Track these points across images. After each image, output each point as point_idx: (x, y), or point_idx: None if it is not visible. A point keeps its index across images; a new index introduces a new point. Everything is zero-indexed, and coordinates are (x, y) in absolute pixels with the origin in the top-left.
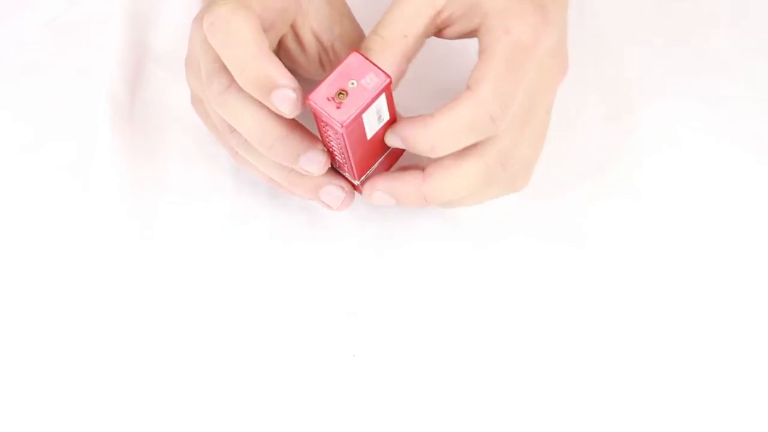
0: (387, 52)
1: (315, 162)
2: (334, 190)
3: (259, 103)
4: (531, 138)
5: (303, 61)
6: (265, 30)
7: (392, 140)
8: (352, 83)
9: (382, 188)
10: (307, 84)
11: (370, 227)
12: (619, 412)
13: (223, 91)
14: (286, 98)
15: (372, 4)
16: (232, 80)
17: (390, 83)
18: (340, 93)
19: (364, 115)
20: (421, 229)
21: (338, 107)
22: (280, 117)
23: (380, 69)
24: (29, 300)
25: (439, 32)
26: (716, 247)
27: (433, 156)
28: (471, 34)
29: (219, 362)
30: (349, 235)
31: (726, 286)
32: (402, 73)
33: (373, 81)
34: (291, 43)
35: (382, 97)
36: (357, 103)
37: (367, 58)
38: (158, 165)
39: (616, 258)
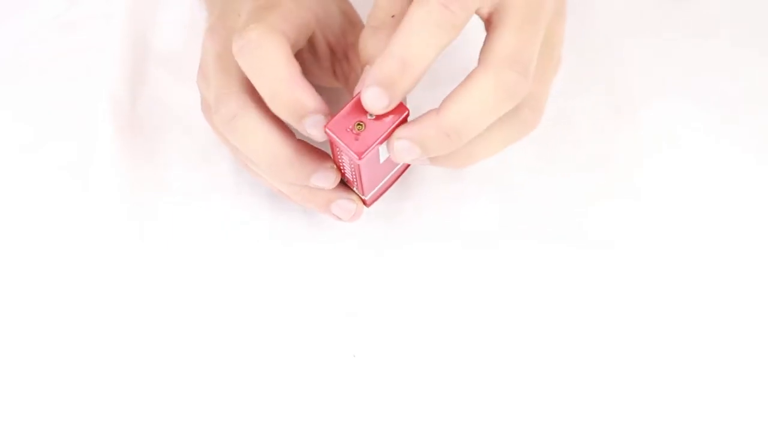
0: (379, 34)
1: (325, 179)
2: (346, 204)
3: (268, 129)
4: (537, 47)
5: (316, 69)
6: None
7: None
8: (371, 115)
9: (403, 136)
10: (319, 90)
11: (369, 228)
12: (622, 411)
13: (230, 118)
14: (317, 124)
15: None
16: (240, 107)
17: (407, 115)
18: (359, 124)
19: (380, 147)
20: (420, 229)
21: (356, 138)
22: (289, 141)
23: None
24: (29, 300)
25: None
26: (716, 247)
27: (461, 143)
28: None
29: (219, 362)
30: (349, 235)
31: (726, 286)
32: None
33: (392, 112)
34: (306, 54)
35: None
36: (374, 135)
37: None
38: (158, 165)
39: (616, 258)
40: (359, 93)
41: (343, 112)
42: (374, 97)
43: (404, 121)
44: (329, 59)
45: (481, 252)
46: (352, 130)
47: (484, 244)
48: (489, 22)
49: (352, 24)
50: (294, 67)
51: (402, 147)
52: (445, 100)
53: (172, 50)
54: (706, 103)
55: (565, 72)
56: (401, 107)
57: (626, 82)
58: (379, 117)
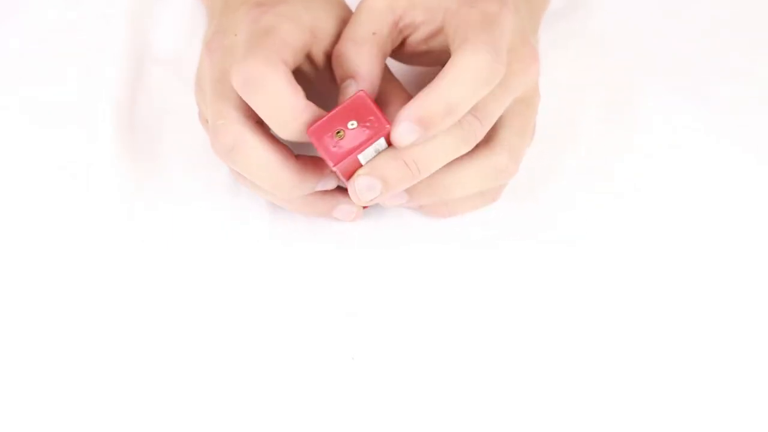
0: (362, 50)
1: (327, 187)
2: (347, 207)
3: (268, 156)
4: (509, 116)
5: (316, 79)
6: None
7: (407, 132)
8: (352, 124)
9: (362, 173)
10: (320, 99)
11: (369, 228)
12: (622, 412)
13: (229, 150)
14: None
15: None
16: (238, 137)
17: (389, 131)
18: (339, 132)
19: (359, 155)
20: (420, 230)
21: (334, 145)
22: (289, 163)
23: (382, 115)
24: (29, 299)
25: (403, 42)
26: (716, 247)
27: (451, 122)
28: (436, 34)
29: (218, 363)
30: (348, 236)
31: (725, 286)
32: (380, 71)
33: (372, 126)
34: (305, 66)
35: (381, 140)
36: (352, 144)
37: (372, 101)
38: (158, 165)
39: (616, 258)
40: (346, 101)
41: (326, 118)
42: (406, 132)
43: (386, 135)
44: (328, 68)
45: (481, 253)
46: (332, 137)
47: (483, 244)
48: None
49: None
50: (298, 98)
51: (363, 184)
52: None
53: (172, 50)
54: (707, 103)
55: (564, 72)
56: (384, 120)
57: (626, 82)
58: (361, 127)
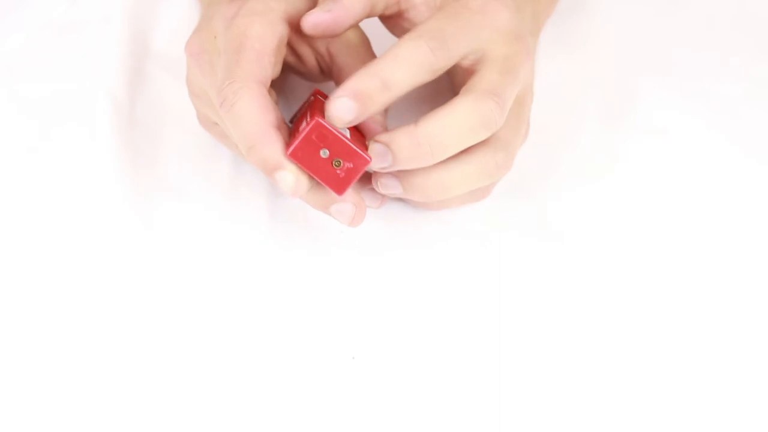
0: None
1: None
2: (344, 207)
3: (257, 116)
4: (507, 117)
5: (304, 70)
6: (273, 70)
7: (343, 109)
8: (324, 151)
9: (380, 140)
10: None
11: (369, 228)
12: (623, 413)
13: (223, 100)
14: (284, 180)
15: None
16: (238, 92)
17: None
18: (336, 161)
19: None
20: (420, 230)
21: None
22: (272, 132)
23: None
24: (29, 299)
25: (397, 17)
26: (715, 247)
27: (431, 162)
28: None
29: (218, 363)
30: (348, 236)
31: (725, 286)
32: (360, 14)
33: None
34: (290, 58)
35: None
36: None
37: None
38: (158, 165)
39: (615, 257)
40: (316, 119)
41: (302, 137)
42: (343, 109)
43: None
44: (314, 59)
45: (481, 253)
46: (319, 155)
47: (483, 244)
48: (469, 72)
49: None
50: (266, 122)
51: (377, 150)
52: (424, 116)
53: (172, 50)
54: (707, 102)
55: (563, 72)
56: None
57: (625, 81)
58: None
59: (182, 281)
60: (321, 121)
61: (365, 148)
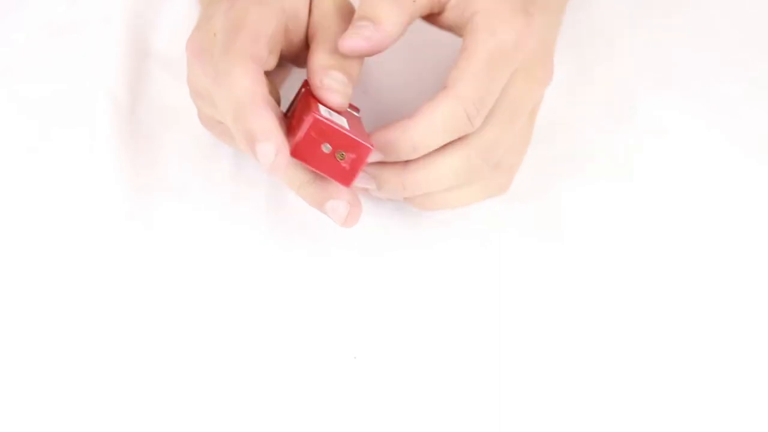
0: (396, 7)
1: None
2: (339, 204)
3: (250, 89)
4: (514, 139)
5: (301, 61)
6: (268, 57)
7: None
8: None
9: (365, 169)
10: None
11: (370, 228)
12: (624, 413)
13: (216, 74)
14: (263, 152)
15: None
16: (232, 67)
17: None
18: (340, 154)
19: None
20: (421, 229)
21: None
22: (264, 109)
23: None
24: (29, 299)
25: (433, 16)
26: (713, 243)
27: (414, 157)
28: (458, 28)
29: (219, 363)
30: (349, 235)
31: (725, 286)
32: (401, 33)
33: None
34: (287, 49)
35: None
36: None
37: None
38: (158, 164)
39: (616, 257)
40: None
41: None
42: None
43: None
44: (305, 46)
45: (481, 253)
46: (321, 149)
47: (483, 244)
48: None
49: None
50: (256, 94)
51: (360, 177)
52: (414, 160)
53: (172, 50)
54: (707, 101)
55: (564, 71)
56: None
57: (625, 81)
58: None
59: (182, 281)
60: (318, 116)
61: (366, 136)
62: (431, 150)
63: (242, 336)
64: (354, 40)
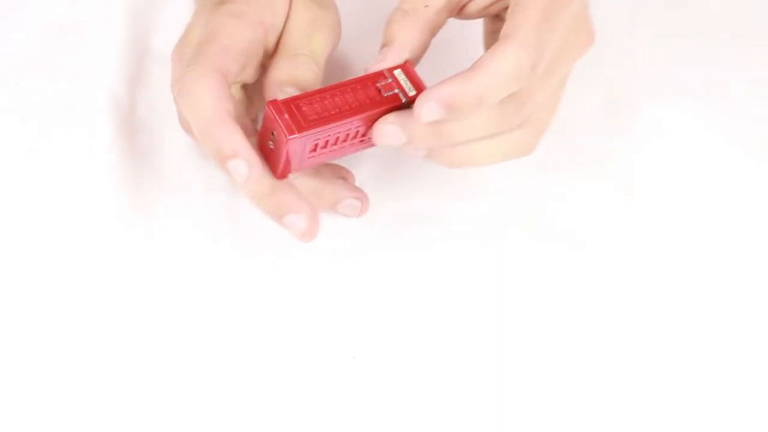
0: (407, 21)
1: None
2: (352, 202)
3: (211, 104)
4: (546, 96)
5: None
6: (240, 70)
7: (429, 110)
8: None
9: (392, 121)
10: None
11: (370, 227)
12: (624, 414)
13: (181, 86)
14: (236, 169)
15: (373, 11)
16: (195, 80)
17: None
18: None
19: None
20: (421, 229)
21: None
22: (227, 123)
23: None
24: (29, 299)
25: (460, 10)
26: (713, 245)
27: (478, 110)
28: (493, 5)
29: (219, 363)
30: (349, 235)
31: (725, 286)
32: (425, 46)
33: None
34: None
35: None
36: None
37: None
38: (158, 164)
39: (616, 256)
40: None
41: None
42: (430, 111)
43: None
44: None
45: (480, 252)
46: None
47: (482, 244)
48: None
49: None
50: (221, 110)
51: (388, 132)
52: (473, 68)
53: (172, 50)
54: (708, 101)
55: None
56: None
57: (625, 81)
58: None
59: (183, 281)
60: (291, 138)
61: (303, 128)
62: (496, 102)
63: (242, 336)
64: (372, 65)
